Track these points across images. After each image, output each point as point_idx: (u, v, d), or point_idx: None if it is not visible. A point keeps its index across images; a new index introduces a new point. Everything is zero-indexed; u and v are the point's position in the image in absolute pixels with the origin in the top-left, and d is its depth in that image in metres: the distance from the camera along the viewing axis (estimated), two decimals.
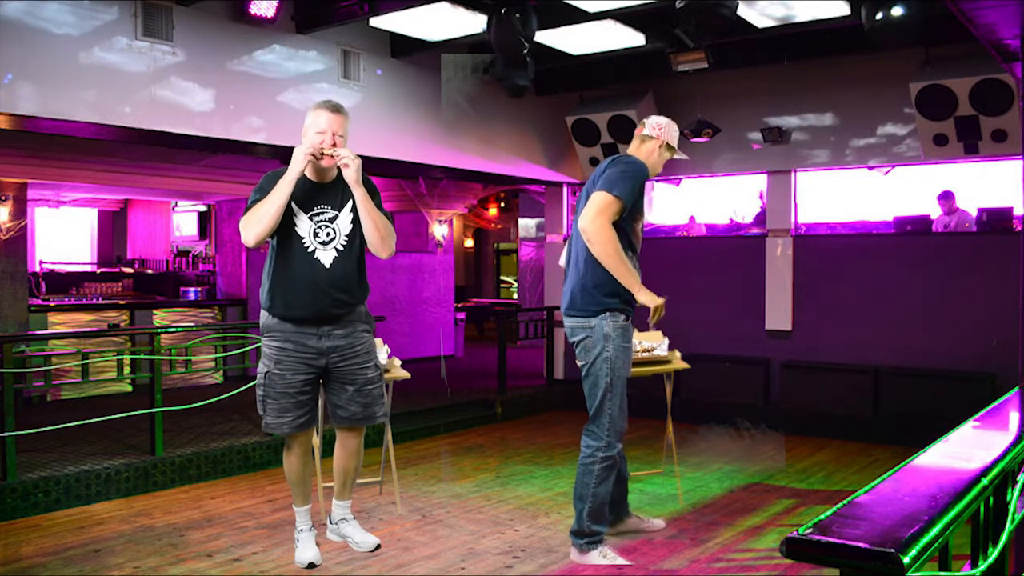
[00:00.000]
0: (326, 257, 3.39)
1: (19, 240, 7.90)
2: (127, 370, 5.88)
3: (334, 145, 3.34)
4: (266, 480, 5.31)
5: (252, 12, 5.50)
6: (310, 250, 3.38)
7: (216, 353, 7.26)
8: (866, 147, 7.00)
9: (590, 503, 3.65)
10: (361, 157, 3.38)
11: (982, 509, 1.63)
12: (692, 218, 9.11)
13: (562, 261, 3.93)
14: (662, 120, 3.87)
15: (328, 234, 3.41)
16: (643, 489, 4.99)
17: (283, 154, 6.21)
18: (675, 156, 3.94)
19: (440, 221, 11.28)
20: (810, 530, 1.21)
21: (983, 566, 1.63)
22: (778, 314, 7.31)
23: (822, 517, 1.27)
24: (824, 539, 1.19)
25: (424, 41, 6.46)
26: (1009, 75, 5.41)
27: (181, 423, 5.96)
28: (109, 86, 5.04)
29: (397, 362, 4.54)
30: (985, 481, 1.57)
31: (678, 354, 4.69)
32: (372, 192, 3.42)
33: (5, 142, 6.91)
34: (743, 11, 5.47)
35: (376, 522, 4.37)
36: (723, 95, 7.49)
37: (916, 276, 6.69)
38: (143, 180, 8.57)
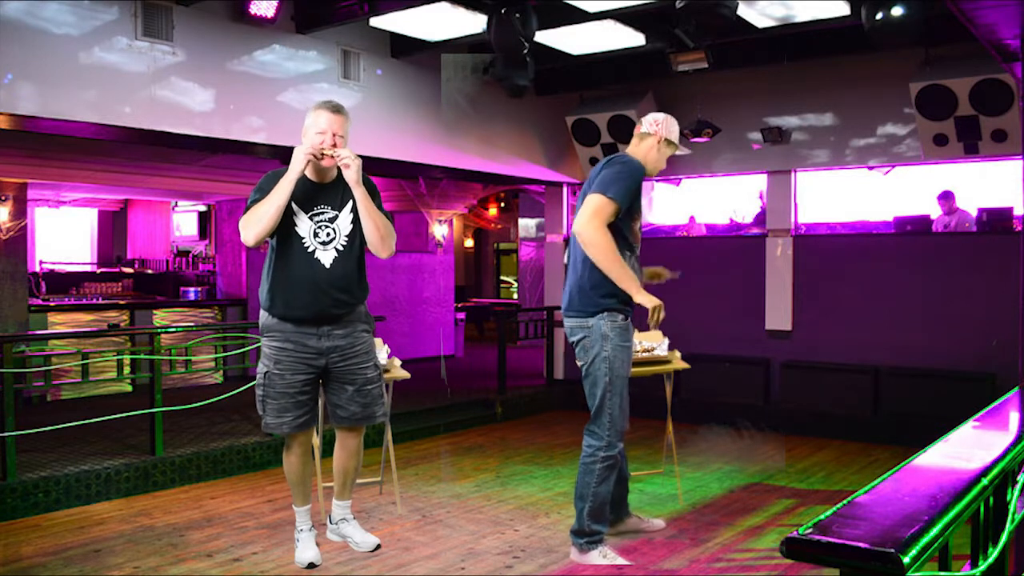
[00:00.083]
0: (326, 257, 3.39)
1: (19, 240, 7.90)
2: (127, 370, 5.88)
3: (334, 145, 3.35)
4: (266, 480, 5.31)
5: (252, 12, 5.50)
6: (310, 250, 3.38)
7: (216, 353, 7.26)
8: (866, 147, 7.00)
9: (591, 502, 3.65)
10: (361, 157, 3.38)
11: (982, 509, 1.63)
12: (692, 218, 9.11)
13: (567, 259, 3.95)
14: (659, 116, 3.85)
15: (328, 234, 3.41)
16: (643, 489, 4.99)
17: (283, 154, 6.21)
18: (677, 152, 3.92)
19: (440, 221, 11.29)
20: (810, 530, 1.21)
21: (983, 566, 1.63)
22: (778, 314, 7.31)
23: (822, 517, 1.27)
24: (824, 539, 1.19)
25: (424, 41, 6.46)
26: (1009, 75, 5.41)
27: (181, 423, 5.96)
28: (109, 86, 5.04)
29: (397, 362, 4.54)
30: (985, 481, 1.57)
31: (678, 354, 4.69)
32: (372, 192, 3.43)
33: (5, 142, 6.91)
34: (743, 11, 5.47)
35: (376, 522, 4.37)
36: (723, 95, 7.49)
37: (916, 276, 6.69)
38: (143, 180, 8.57)
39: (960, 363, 6.33)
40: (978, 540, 1.67)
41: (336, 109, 3.41)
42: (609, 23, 6.05)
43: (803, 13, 5.72)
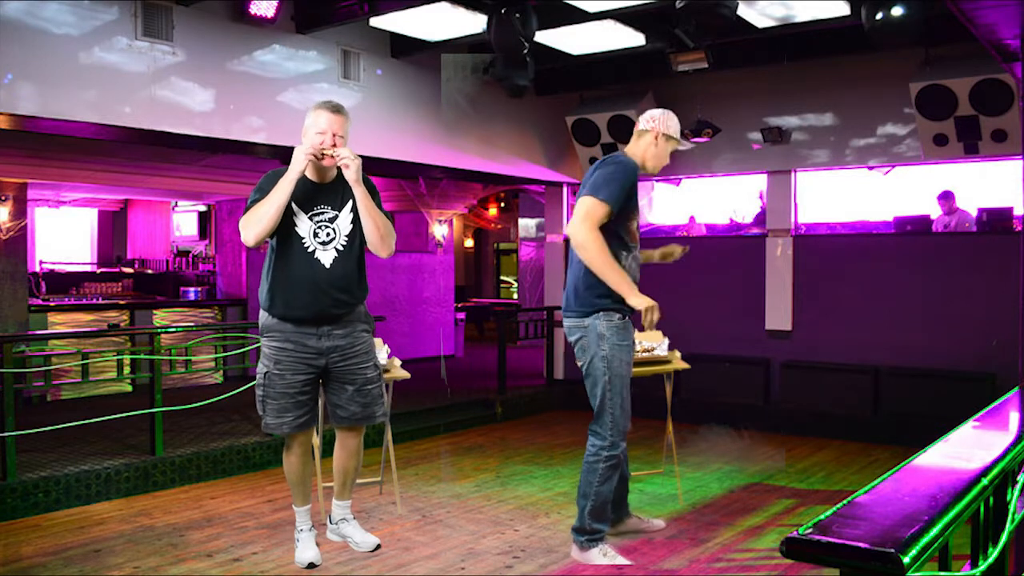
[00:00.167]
0: (326, 257, 3.40)
1: (19, 240, 7.90)
2: (127, 370, 5.88)
3: (334, 145, 3.35)
4: (266, 480, 5.31)
5: (252, 12, 5.50)
6: (310, 250, 3.38)
7: (216, 353, 7.26)
8: (866, 147, 7.00)
9: (592, 501, 3.66)
10: (361, 157, 3.38)
11: (982, 509, 1.63)
12: (692, 218, 9.10)
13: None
14: (656, 112, 3.84)
15: (328, 234, 3.41)
16: (643, 489, 4.99)
17: (283, 154, 6.22)
18: (680, 147, 3.89)
19: (440, 221, 11.29)
20: (810, 530, 1.21)
21: (983, 566, 1.63)
22: (778, 314, 7.31)
23: (822, 517, 1.27)
24: (824, 539, 1.19)
25: (424, 41, 6.46)
26: (1009, 75, 5.41)
27: (181, 423, 5.96)
28: (109, 86, 5.04)
29: (397, 362, 4.54)
30: (985, 481, 1.57)
31: (678, 354, 4.70)
32: (372, 192, 3.43)
33: (5, 142, 6.91)
34: (743, 11, 5.47)
35: (376, 522, 4.37)
36: (723, 95, 7.49)
37: (916, 276, 6.69)
38: (143, 180, 8.57)
39: (960, 363, 6.33)
40: (978, 540, 1.67)
41: (336, 109, 3.41)
42: (609, 23, 6.05)
43: (803, 13, 5.72)
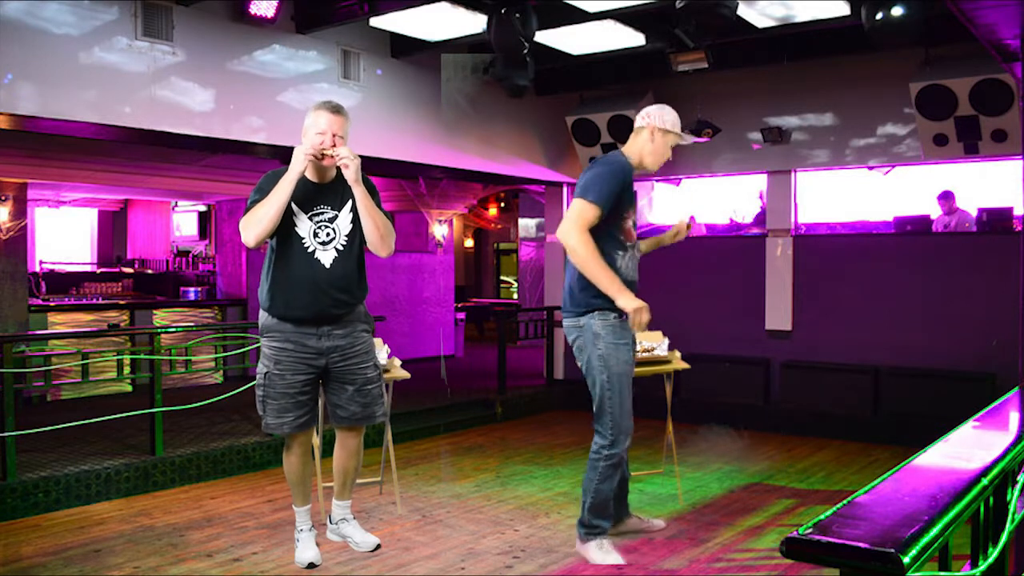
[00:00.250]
0: (326, 257, 3.40)
1: (19, 240, 7.90)
2: (127, 370, 5.88)
3: (333, 145, 3.35)
4: (266, 480, 5.31)
5: (252, 12, 5.50)
6: (310, 250, 3.38)
7: (216, 353, 7.26)
8: (866, 147, 7.00)
9: (592, 497, 3.70)
10: (361, 157, 3.38)
11: (982, 509, 1.63)
12: (692, 218, 9.07)
13: None
14: (651, 108, 3.83)
15: (328, 234, 3.41)
16: (643, 489, 4.99)
17: (283, 154, 6.21)
18: (681, 140, 3.85)
19: (440, 221, 11.29)
20: (810, 530, 1.21)
21: (983, 566, 1.63)
22: (778, 314, 7.32)
23: (822, 517, 1.27)
24: (824, 539, 1.19)
25: (424, 41, 6.46)
26: (1009, 75, 5.41)
27: (181, 423, 5.96)
28: (109, 86, 5.04)
29: (397, 362, 4.54)
30: (985, 481, 1.57)
31: (678, 354, 4.70)
32: (371, 191, 3.43)
33: (5, 142, 6.91)
34: (743, 11, 5.47)
35: (376, 522, 4.37)
36: (723, 95, 7.49)
37: (916, 276, 6.69)
38: (143, 180, 8.57)
39: (960, 363, 6.33)
40: (978, 540, 1.67)
41: (336, 109, 3.41)
42: (609, 23, 6.05)
43: (803, 13, 5.72)
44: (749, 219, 8.73)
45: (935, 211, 7.29)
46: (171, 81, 5.33)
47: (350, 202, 3.43)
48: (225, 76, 5.64)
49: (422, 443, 6.49)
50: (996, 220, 6.66)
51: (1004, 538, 1.70)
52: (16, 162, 7.52)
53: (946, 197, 7.22)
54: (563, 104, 8.08)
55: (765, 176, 7.61)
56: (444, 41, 6.41)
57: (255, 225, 3.28)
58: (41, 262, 10.72)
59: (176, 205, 11.90)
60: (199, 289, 9.64)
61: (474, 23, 5.92)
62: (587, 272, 3.55)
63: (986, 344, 6.16)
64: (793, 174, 7.42)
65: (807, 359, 7.08)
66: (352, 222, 3.44)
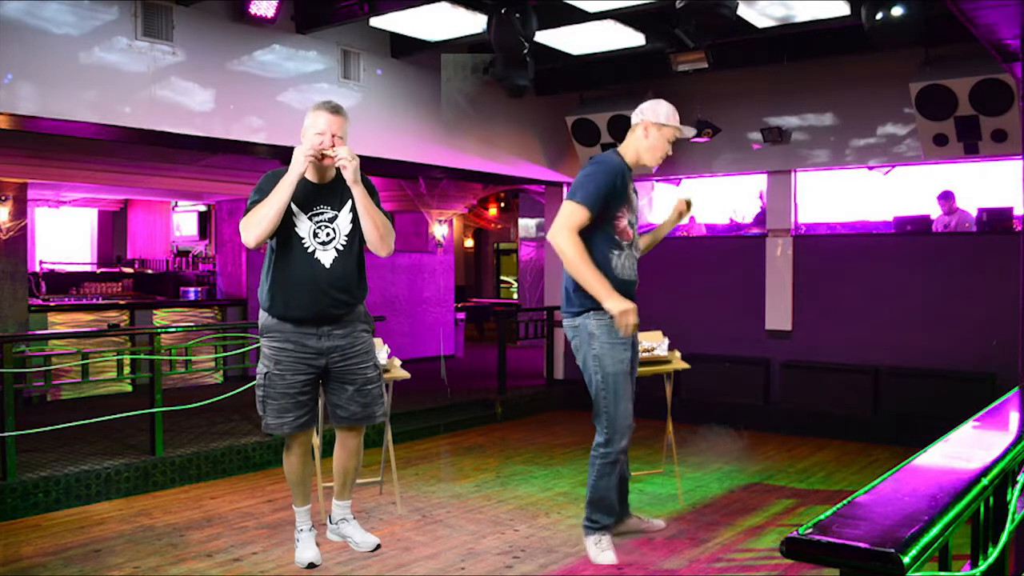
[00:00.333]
0: (326, 257, 3.40)
1: (19, 240, 7.90)
2: (127, 370, 5.88)
3: (332, 146, 3.35)
4: (266, 480, 5.31)
5: (252, 12, 5.49)
6: (310, 250, 3.38)
7: (216, 353, 7.26)
8: (866, 147, 7.00)
9: (590, 493, 3.74)
10: (361, 157, 3.38)
11: (982, 509, 1.63)
12: (692, 218, 9.09)
13: None
14: (644, 104, 3.80)
15: (328, 234, 3.41)
16: (643, 489, 4.99)
17: (283, 154, 6.22)
18: (680, 133, 3.80)
19: (440, 221, 11.28)
20: (810, 530, 1.21)
21: (983, 566, 1.63)
22: (778, 314, 7.31)
23: (822, 517, 1.27)
24: (824, 539, 1.19)
25: (424, 41, 6.46)
26: (1009, 75, 5.41)
27: (181, 423, 5.96)
28: (109, 86, 5.04)
29: (397, 362, 4.54)
30: (985, 481, 1.57)
31: (678, 354, 4.70)
32: (370, 191, 3.43)
33: (5, 142, 6.91)
34: (743, 11, 5.47)
35: (376, 522, 4.37)
36: (723, 95, 7.49)
37: (916, 276, 6.69)
38: (143, 180, 8.57)
39: (960, 363, 6.33)
40: (978, 540, 1.67)
41: (335, 110, 3.41)
42: (609, 23, 6.05)
43: (803, 13, 5.72)
44: (749, 219, 8.74)
45: (935, 211, 7.29)
46: (171, 81, 5.33)
47: (350, 202, 3.44)
48: (225, 76, 5.64)
49: (422, 443, 6.50)
50: (996, 220, 6.66)
51: (1004, 538, 1.70)
52: (16, 162, 7.52)
53: (946, 197, 7.22)
54: (563, 104, 8.08)
55: (765, 176, 7.61)
56: (444, 41, 6.41)
57: (255, 226, 3.29)
58: (41, 262, 10.72)
59: (176, 205, 11.90)
60: (199, 289, 9.64)
61: (474, 23, 5.92)
62: (575, 274, 3.57)
63: (986, 344, 6.16)
64: (793, 174, 7.42)
65: (807, 359, 7.08)
66: (352, 222, 3.44)
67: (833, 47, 6.40)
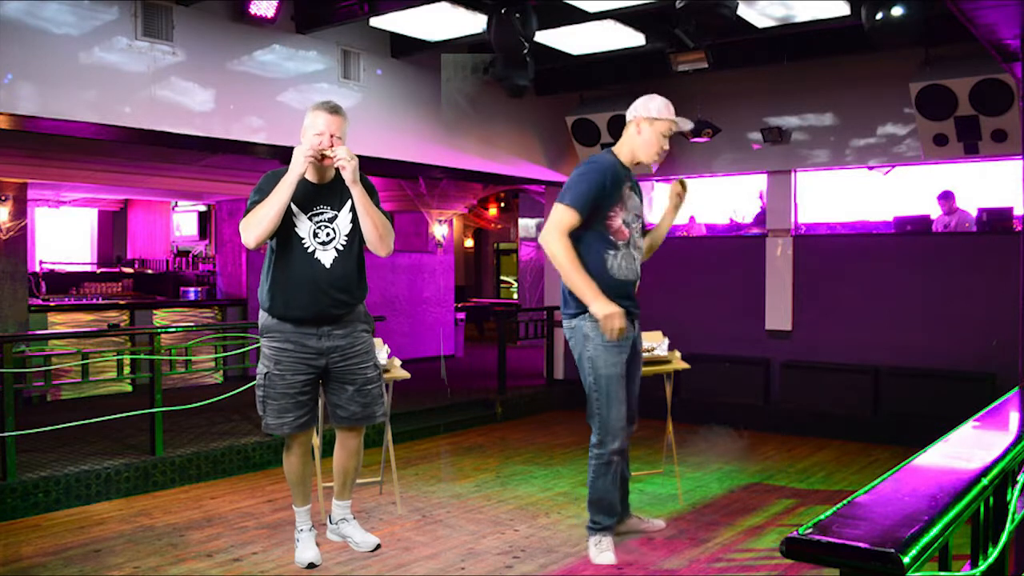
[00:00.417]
0: (326, 257, 3.40)
1: (19, 240, 7.90)
2: (127, 370, 5.88)
3: (332, 146, 3.35)
4: (266, 480, 5.31)
5: (252, 12, 5.49)
6: (310, 250, 3.39)
7: (216, 353, 7.26)
8: (866, 147, 7.00)
9: (589, 493, 3.76)
10: (361, 157, 3.39)
11: (982, 509, 1.63)
12: (692, 218, 9.10)
13: None
14: (637, 101, 3.78)
15: (328, 234, 3.41)
16: (643, 489, 4.99)
17: (283, 154, 6.21)
18: (676, 127, 3.77)
19: (440, 221, 11.28)
20: (810, 530, 1.21)
21: (983, 566, 1.63)
22: (778, 314, 7.31)
23: (822, 517, 1.27)
24: (824, 539, 1.19)
25: (424, 41, 6.46)
26: (1009, 75, 5.41)
27: (181, 423, 5.96)
28: (109, 86, 5.04)
29: (397, 362, 4.54)
30: (985, 481, 1.57)
31: (678, 354, 4.70)
32: (370, 191, 3.43)
33: (5, 142, 6.91)
34: (743, 11, 5.47)
35: (376, 522, 4.37)
36: (723, 95, 7.49)
37: (916, 276, 6.69)
38: (143, 180, 8.57)
39: (960, 363, 6.33)
40: (978, 540, 1.67)
41: (334, 110, 3.41)
42: (609, 23, 6.05)
43: (803, 13, 5.72)
44: (749, 219, 8.74)
45: (935, 211, 7.29)
46: (171, 81, 5.33)
47: (349, 202, 3.44)
48: (225, 76, 5.64)
49: (422, 443, 6.49)
50: (996, 220, 6.66)
51: (1004, 538, 1.70)
52: (16, 162, 7.52)
53: (946, 197, 7.22)
54: (563, 104, 8.08)
55: (765, 176, 7.61)
56: (444, 41, 6.41)
57: (255, 226, 3.29)
58: (41, 262, 10.72)
59: (176, 205, 11.90)
60: (199, 289, 9.64)
61: (474, 23, 5.91)
62: (564, 276, 3.58)
63: (986, 344, 6.16)
64: (793, 174, 7.42)
65: (807, 359, 7.08)
66: (352, 222, 3.44)
67: (833, 47, 6.40)
